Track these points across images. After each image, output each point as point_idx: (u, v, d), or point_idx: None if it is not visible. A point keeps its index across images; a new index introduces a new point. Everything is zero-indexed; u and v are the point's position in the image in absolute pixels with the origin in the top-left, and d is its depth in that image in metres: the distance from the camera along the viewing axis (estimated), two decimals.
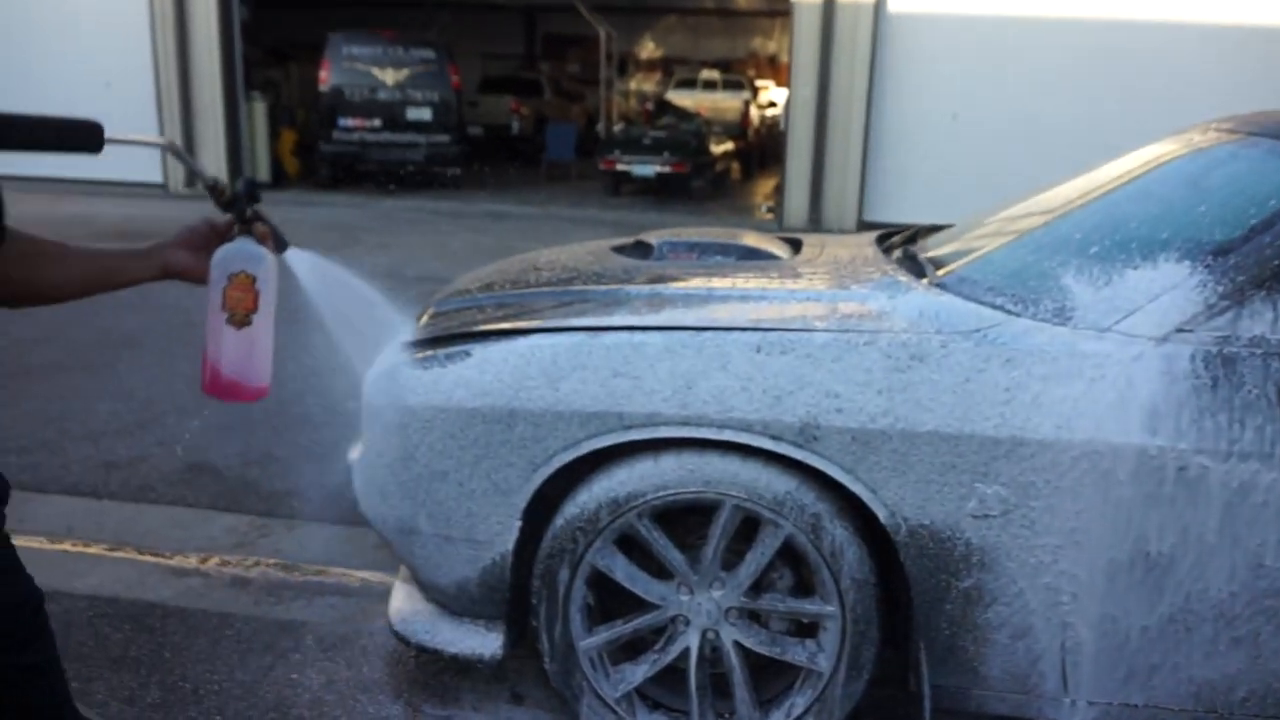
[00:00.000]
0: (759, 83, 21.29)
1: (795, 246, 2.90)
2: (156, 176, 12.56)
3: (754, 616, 2.19)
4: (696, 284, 2.40)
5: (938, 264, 2.47)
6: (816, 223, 11.54)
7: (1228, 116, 2.72)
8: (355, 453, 2.31)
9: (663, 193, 13.78)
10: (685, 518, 2.17)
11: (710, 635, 2.18)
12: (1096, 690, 2.06)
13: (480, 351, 2.17)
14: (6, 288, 1.41)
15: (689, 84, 19.50)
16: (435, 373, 2.17)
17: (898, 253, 2.74)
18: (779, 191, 12.25)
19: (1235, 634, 1.98)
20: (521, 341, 2.16)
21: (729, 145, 16.10)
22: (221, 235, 1.56)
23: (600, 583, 2.19)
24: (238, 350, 1.55)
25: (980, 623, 2.05)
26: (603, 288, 2.45)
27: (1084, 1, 10.75)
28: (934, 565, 2.02)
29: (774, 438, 2.01)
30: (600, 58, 19.77)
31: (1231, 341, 1.93)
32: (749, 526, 2.12)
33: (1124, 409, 1.91)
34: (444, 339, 2.26)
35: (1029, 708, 2.11)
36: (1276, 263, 1.94)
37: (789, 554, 2.14)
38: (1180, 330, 1.95)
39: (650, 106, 18.38)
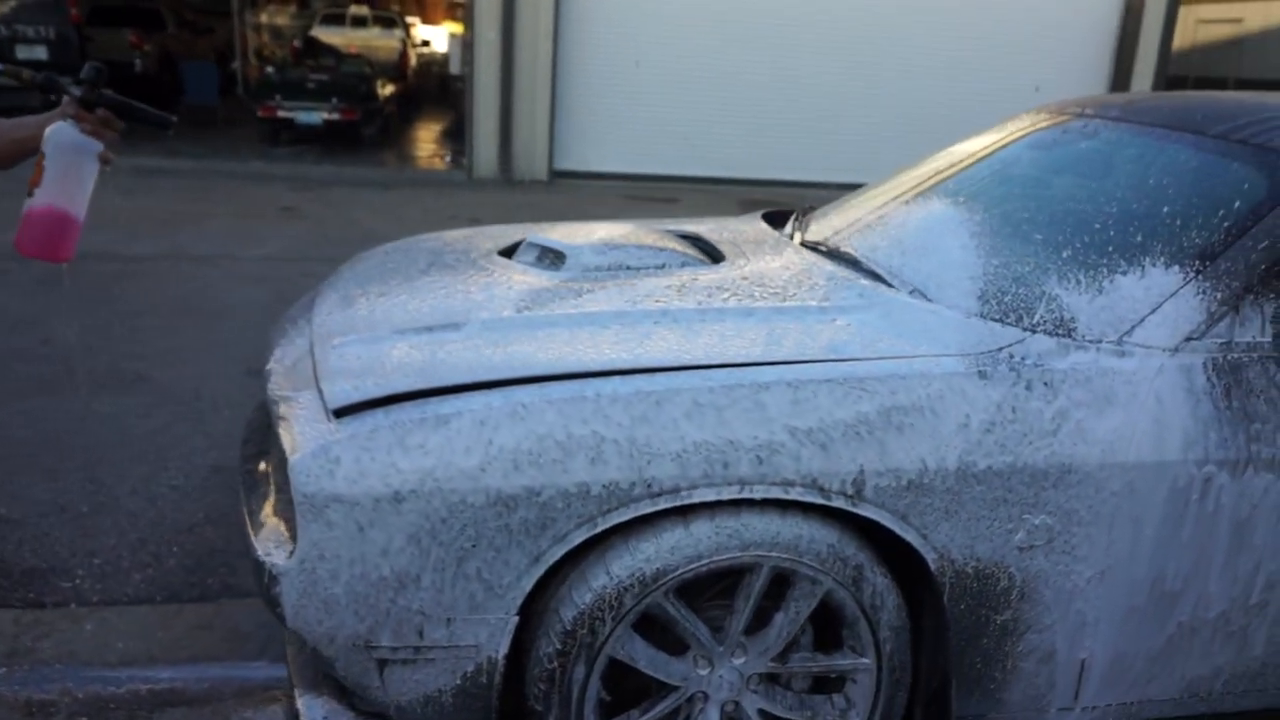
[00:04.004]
0: (407, 19, 20.25)
1: (698, 244, 2.63)
2: None
3: (773, 679, 1.97)
4: (662, 305, 2.08)
5: (881, 264, 2.32)
6: (507, 174, 11.19)
7: (1091, 99, 2.79)
8: (281, 556, 1.78)
9: (329, 141, 12.73)
10: (697, 581, 1.89)
11: (729, 708, 1.93)
12: (1099, 698, 2.07)
13: (455, 419, 1.72)
14: None
15: (336, 20, 18.11)
16: (395, 452, 1.70)
17: (801, 240, 2.58)
18: (464, 141, 11.71)
19: (1229, 631, 2.04)
20: (506, 399, 1.75)
21: (391, 88, 15.19)
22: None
23: (611, 669, 1.86)
24: (27, 214, 1.85)
25: (1012, 652, 1.97)
26: (549, 313, 2.06)
27: None
28: (976, 602, 1.90)
29: (822, 491, 1.78)
30: None
31: (1233, 348, 1.96)
32: (774, 584, 1.88)
33: (1159, 426, 1.88)
34: (390, 400, 1.78)
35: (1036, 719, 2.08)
36: (1263, 268, 1.98)
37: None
38: (1189, 339, 1.94)
39: (298, 44, 16.89)
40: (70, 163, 1.81)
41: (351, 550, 1.70)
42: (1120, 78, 11.84)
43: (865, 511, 1.80)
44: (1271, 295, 1.98)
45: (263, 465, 2.20)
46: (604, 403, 1.75)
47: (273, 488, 2.03)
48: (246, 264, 6.49)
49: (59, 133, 1.82)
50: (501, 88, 10.93)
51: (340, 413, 1.78)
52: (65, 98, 1.87)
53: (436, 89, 20.53)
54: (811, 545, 1.82)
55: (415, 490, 1.69)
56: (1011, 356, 1.89)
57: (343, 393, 1.81)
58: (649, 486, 1.72)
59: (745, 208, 10.12)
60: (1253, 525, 1.95)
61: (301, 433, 1.79)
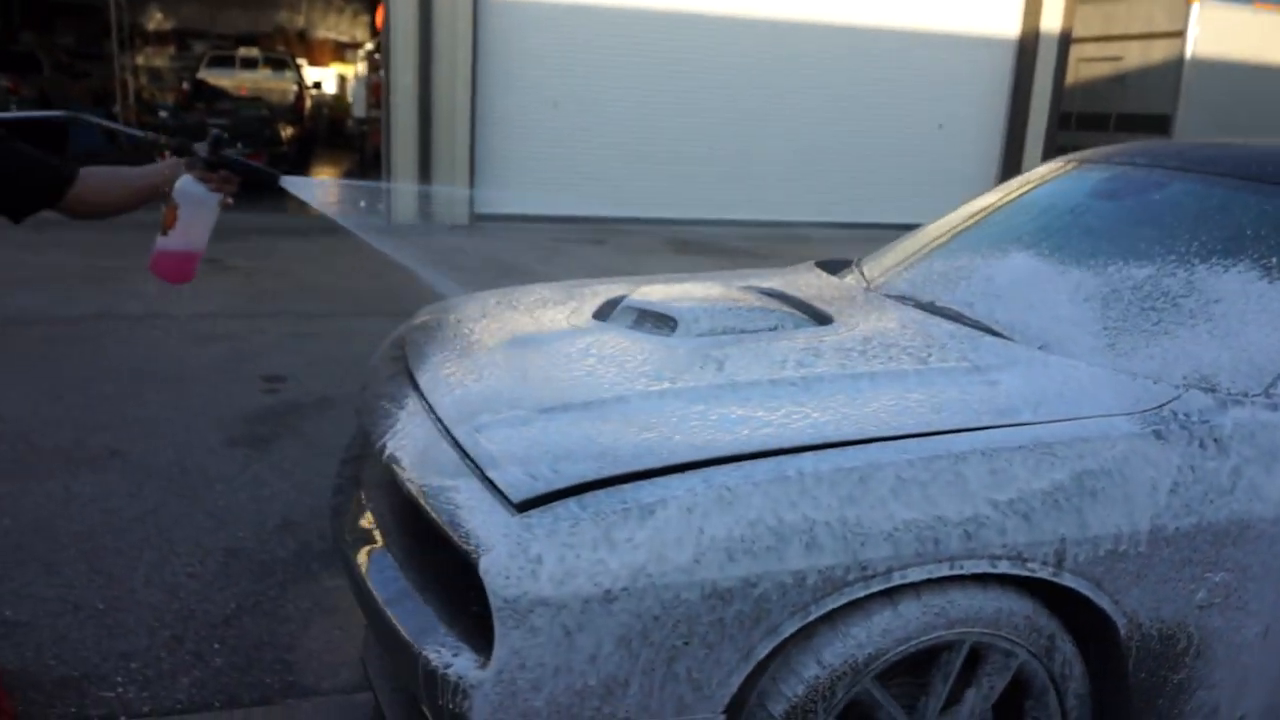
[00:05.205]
0: (297, 60, 19.77)
1: (788, 301, 2.58)
2: None
3: None
4: (809, 373, 2.02)
5: (985, 317, 2.32)
6: (428, 218, 10.97)
7: (1135, 147, 2.87)
8: (468, 666, 1.63)
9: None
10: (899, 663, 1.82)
11: None
12: None
13: (661, 508, 1.62)
14: (80, 211, 2.08)
15: (225, 62, 17.52)
16: (603, 547, 1.58)
17: (885, 294, 2.56)
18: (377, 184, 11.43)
19: None
20: (708, 483, 1.65)
21: (290, 131, 14.78)
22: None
23: None
24: (162, 249, 2.25)
25: (1183, 711, 1.96)
26: (700, 384, 1.97)
27: None
28: (1156, 664, 1.89)
29: (1026, 563, 1.73)
30: (110, 28, 17.07)
31: None
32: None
33: None
34: (576, 490, 1.66)
35: None
36: None
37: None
38: None
39: (187, 87, 16.28)
40: (198, 211, 2.22)
41: (557, 658, 1.58)
42: (1017, 116, 12.39)
43: (1065, 581, 1.76)
44: None
45: (372, 553, 2.03)
46: (808, 483, 1.67)
47: (418, 585, 1.87)
48: (190, 322, 6.14)
49: (189, 185, 2.19)
50: (420, 131, 10.73)
51: (524, 505, 1.65)
52: (191, 157, 2.22)
53: (329, 131, 20.11)
54: (1010, 618, 1.78)
55: (627, 588, 1.58)
56: (1176, 414, 1.90)
57: (524, 483, 1.68)
58: (863, 570, 1.65)
59: (673, 246, 10.15)
60: None
61: (484, 528, 1.65)
